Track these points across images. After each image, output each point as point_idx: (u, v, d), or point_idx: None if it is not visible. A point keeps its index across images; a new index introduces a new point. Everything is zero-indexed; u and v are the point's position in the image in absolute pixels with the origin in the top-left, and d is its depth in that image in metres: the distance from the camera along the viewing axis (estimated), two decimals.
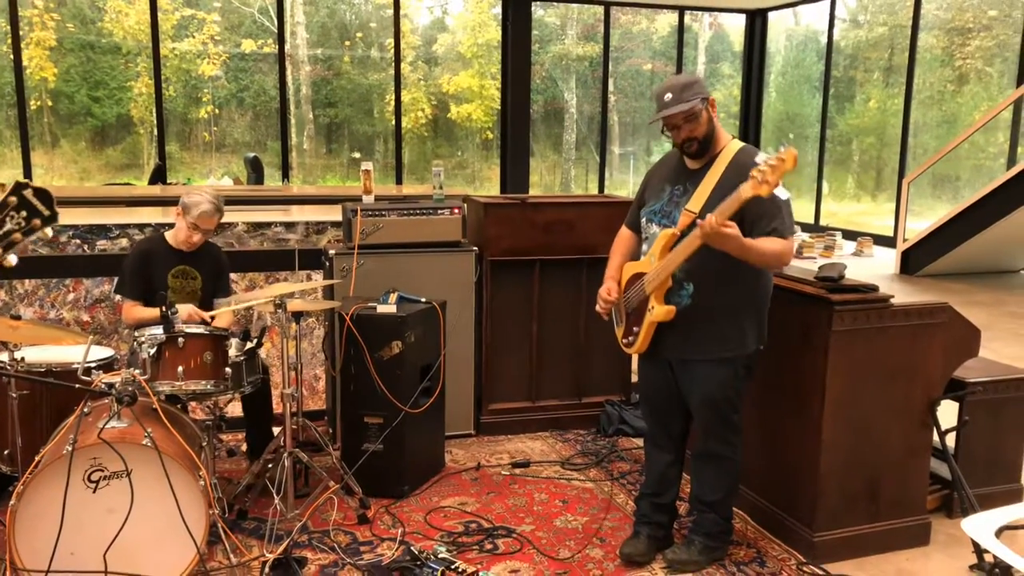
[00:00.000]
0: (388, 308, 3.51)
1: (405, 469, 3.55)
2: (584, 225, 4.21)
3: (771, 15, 13.77)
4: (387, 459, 3.50)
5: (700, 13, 16.33)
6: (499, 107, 15.16)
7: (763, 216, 2.66)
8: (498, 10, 15.41)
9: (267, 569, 2.86)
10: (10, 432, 3.03)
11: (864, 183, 15.16)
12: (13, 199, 1.44)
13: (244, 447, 3.98)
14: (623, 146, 16.90)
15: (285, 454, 3.16)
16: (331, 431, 3.99)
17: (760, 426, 3.28)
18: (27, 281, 5.07)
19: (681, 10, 13.34)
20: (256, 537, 3.17)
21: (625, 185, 15.82)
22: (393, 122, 15.25)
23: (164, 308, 2.94)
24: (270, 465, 3.34)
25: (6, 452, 3.10)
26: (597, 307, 3.01)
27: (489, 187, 15.87)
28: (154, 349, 2.91)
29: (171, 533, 2.71)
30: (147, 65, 15.74)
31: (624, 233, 3.09)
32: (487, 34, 15.58)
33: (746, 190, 2.48)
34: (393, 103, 15.38)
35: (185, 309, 3.33)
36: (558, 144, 16.55)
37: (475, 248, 4.10)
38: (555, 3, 14.75)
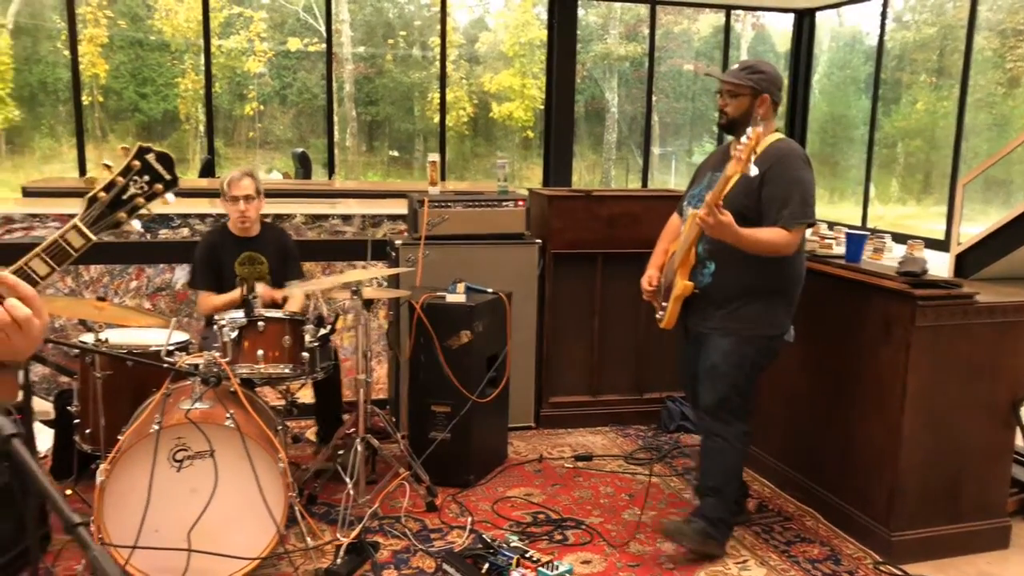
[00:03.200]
0: (457, 298, 3.52)
1: (471, 459, 3.56)
2: (648, 219, 4.17)
3: (818, 15, 13.61)
4: (453, 448, 3.52)
5: (742, 14, 16.18)
6: (541, 106, 15.16)
7: (775, 201, 2.72)
8: (540, 9, 15.42)
9: (341, 553, 2.89)
10: (92, 412, 3.09)
11: (909, 186, 14.93)
12: (137, 163, 1.39)
13: (307, 433, 4.02)
14: (663, 146, 16.80)
15: (358, 440, 3.18)
16: (394, 419, 4.01)
17: (831, 421, 3.24)
18: (92, 268, 5.17)
19: (728, 9, 13.24)
20: (326, 522, 3.20)
21: (666, 186, 15.72)
22: (434, 120, 15.33)
23: (245, 293, 2.98)
24: (340, 451, 3.36)
25: (87, 431, 3.15)
26: (644, 296, 3.08)
27: (528, 185, 15.86)
28: (235, 333, 2.94)
29: (250, 514, 2.74)
30: (194, 62, 15.98)
31: (673, 219, 3.19)
32: (530, 33, 15.58)
33: (728, 168, 2.59)
34: (433, 102, 15.45)
35: (258, 287, 3.40)
36: (598, 144, 16.50)
37: (538, 240, 4.10)
38: (599, 2, 14.71)
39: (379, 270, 3.95)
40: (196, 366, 2.73)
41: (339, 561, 2.85)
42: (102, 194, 1.38)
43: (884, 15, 12.72)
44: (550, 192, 4.28)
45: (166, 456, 2.67)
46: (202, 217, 5.39)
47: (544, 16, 15.55)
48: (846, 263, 3.21)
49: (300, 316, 3.10)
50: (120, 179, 1.39)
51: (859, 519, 3.11)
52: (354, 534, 2.97)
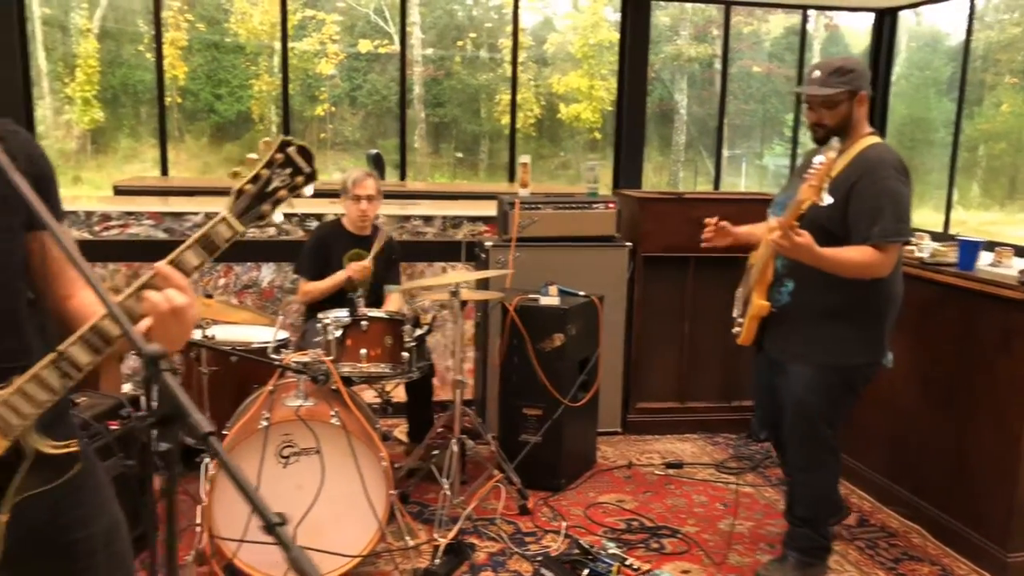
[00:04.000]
0: (551, 300, 3.50)
1: (561, 463, 3.54)
2: (742, 222, 4.08)
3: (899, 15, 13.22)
4: (544, 452, 3.50)
5: (816, 14, 15.81)
6: (610, 107, 15.07)
7: (864, 216, 2.46)
8: (609, 10, 15.34)
9: (440, 553, 2.89)
10: (195, 404, 3.16)
11: (992, 191, 14.42)
12: (279, 156, 1.40)
13: (395, 432, 4.05)
14: (732, 149, 16.55)
15: (453, 441, 3.18)
16: (481, 421, 4.00)
17: (940, 434, 3.13)
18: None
19: (804, 9, 12.92)
20: (420, 521, 3.21)
21: (736, 187, 15.47)
22: (501, 121, 15.36)
23: (349, 294, 3.02)
24: (435, 451, 3.37)
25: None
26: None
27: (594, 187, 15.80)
28: (339, 332, 2.97)
29: (353, 511, 2.76)
30: (267, 64, 16.31)
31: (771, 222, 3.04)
32: (599, 35, 15.51)
33: (801, 192, 2.35)
34: (501, 103, 15.49)
35: (352, 268, 3.46)
36: (665, 146, 16.35)
37: (628, 243, 4.05)
38: (671, 3, 14.55)
39: (471, 272, 3.95)
40: (305, 364, 2.76)
41: (437, 561, 2.86)
42: (248, 187, 1.40)
43: (972, 15, 12.29)
44: (641, 194, 4.23)
45: (274, 452, 2.71)
46: (288, 217, 5.49)
47: (613, 17, 15.49)
48: (959, 271, 3.09)
49: (401, 316, 3.12)
50: (264, 172, 1.40)
51: (972, 538, 2.99)
52: (451, 535, 2.97)
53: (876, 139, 2.61)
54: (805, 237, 2.38)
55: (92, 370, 1.32)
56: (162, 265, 1.30)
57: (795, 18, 15.90)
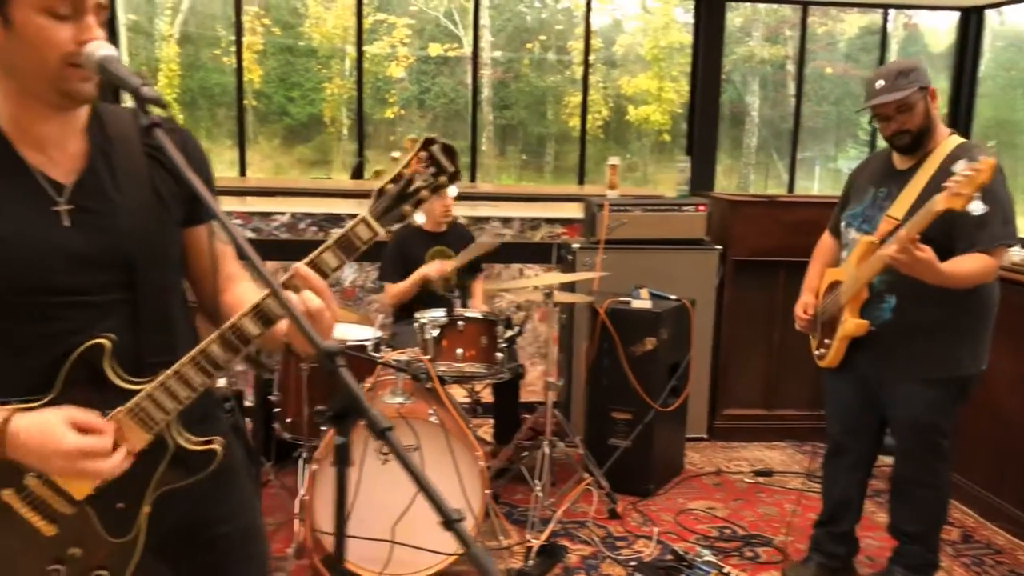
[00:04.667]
0: (643, 304, 3.48)
1: (651, 468, 3.51)
2: None
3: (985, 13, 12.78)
4: (633, 456, 3.47)
5: (894, 13, 15.38)
6: (679, 110, 14.90)
7: (971, 222, 2.34)
8: (680, 11, 15.18)
9: (532, 554, 2.89)
10: (293, 401, 3.22)
11: None
12: (423, 155, 1.37)
13: (479, 431, 4.07)
14: (804, 151, 16.20)
15: (545, 443, 3.18)
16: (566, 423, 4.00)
17: None
18: (268, 263, 5.44)
19: (885, 9, 12.59)
20: (510, 521, 3.21)
21: (808, 191, 15.15)
22: (569, 123, 15.33)
23: (448, 294, 3.05)
24: (525, 453, 3.38)
25: (288, 420, 3.29)
26: (796, 325, 2.81)
27: (662, 190, 15.68)
28: (436, 331, 3.00)
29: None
30: (339, 67, 16.60)
31: (826, 239, 2.88)
32: (669, 36, 15.35)
33: (939, 202, 2.21)
34: (569, 105, 15.47)
35: (432, 267, 3.48)
36: (736, 147, 16.09)
37: (718, 247, 4.00)
38: (744, 3, 14.31)
39: (560, 274, 3.95)
40: (407, 362, 2.79)
41: (531, 563, 2.86)
42: (390, 187, 1.37)
43: None
44: (732, 197, 4.17)
45: (373, 449, 2.75)
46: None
47: (684, 19, 15.32)
48: None
49: (495, 317, 3.14)
50: (407, 171, 1.37)
51: None
52: (544, 536, 2.97)
53: (959, 138, 2.52)
54: (927, 252, 2.25)
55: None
56: (300, 266, 1.30)
57: (870, 17, 15.52)
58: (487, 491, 2.79)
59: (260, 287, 1.41)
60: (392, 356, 2.91)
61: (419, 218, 1.42)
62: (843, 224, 2.69)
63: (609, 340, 3.45)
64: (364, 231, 1.35)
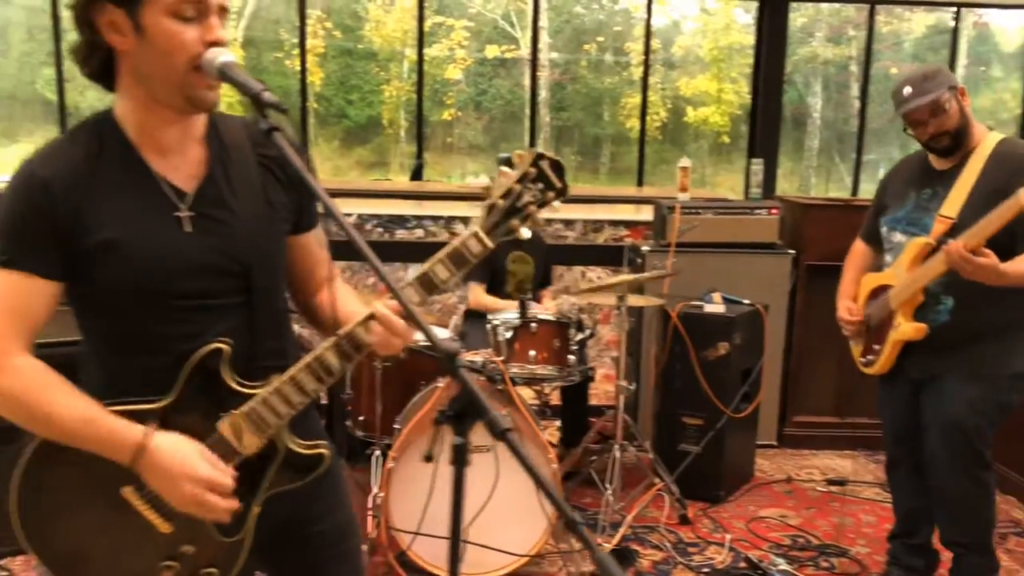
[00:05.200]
0: (716, 308, 3.44)
1: (721, 474, 3.47)
2: None
3: None
4: (703, 462, 3.43)
5: (964, 12, 14.95)
6: (738, 111, 14.72)
7: None
8: (740, 12, 14.98)
9: None
10: (365, 400, 3.26)
11: None
12: (532, 170, 1.37)
13: (544, 434, 4.07)
14: (867, 153, 15.85)
15: (616, 447, 3.17)
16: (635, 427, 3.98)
17: None
18: (334, 263, 5.52)
19: (958, 7, 12.26)
20: None
21: (871, 194, 14.82)
22: (626, 125, 15.25)
23: (521, 296, 3.06)
24: (594, 457, 3.37)
25: (360, 418, 3.33)
26: (843, 331, 2.74)
27: (721, 192, 15.52)
28: (509, 333, 3.01)
29: (521, 511, 2.79)
30: (398, 70, 16.78)
31: (859, 246, 2.81)
32: (729, 37, 15.17)
33: (1010, 207, 2.14)
34: (626, 107, 15.38)
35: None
36: (796, 150, 15.82)
37: (791, 251, 3.93)
38: (805, 3, 14.06)
39: (630, 277, 3.92)
40: (483, 364, 2.81)
41: None
42: (500, 201, 1.38)
43: None
44: (806, 200, 4.11)
45: (447, 449, 2.77)
46: (435, 219, 5.62)
47: (744, 19, 15.12)
48: None
49: (567, 319, 3.14)
50: (516, 186, 1.38)
51: None
52: (616, 540, 2.96)
53: (999, 135, 2.46)
54: (991, 257, 2.21)
55: None
56: (382, 311, 1.33)
57: (937, 16, 15.12)
58: (562, 492, 2.79)
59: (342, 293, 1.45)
60: (466, 356, 2.93)
61: (526, 232, 1.41)
62: (884, 229, 2.64)
63: (681, 344, 3.42)
64: (475, 245, 1.37)
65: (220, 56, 1.24)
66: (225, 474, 1.28)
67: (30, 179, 1.25)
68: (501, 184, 1.40)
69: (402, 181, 11.58)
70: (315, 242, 1.50)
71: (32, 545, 1.32)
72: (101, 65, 1.29)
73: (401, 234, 5.62)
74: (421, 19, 11.54)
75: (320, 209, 1.49)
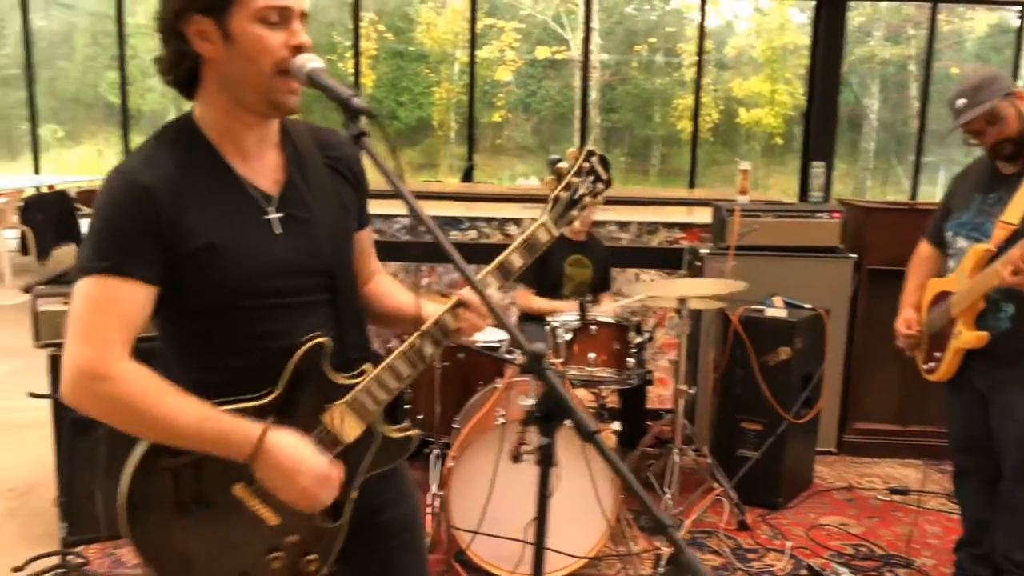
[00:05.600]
0: (777, 312, 3.40)
1: (780, 480, 3.43)
2: None
3: None
4: (762, 467, 3.40)
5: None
6: (791, 112, 14.50)
7: None
8: (796, 11, 14.76)
9: (663, 562, 2.87)
10: (424, 399, 3.30)
11: None
12: (586, 165, 1.50)
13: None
14: (927, 155, 15.48)
15: (675, 451, 3.15)
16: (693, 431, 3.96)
17: None
18: (390, 264, 5.58)
19: (1023, 6, 11.93)
20: (637, 528, 3.20)
21: (930, 197, 14.48)
22: (677, 126, 15.13)
23: (581, 298, 3.06)
24: (651, 461, 3.36)
25: (419, 417, 3.37)
26: (897, 342, 2.69)
27: (773, 195, 15.32)
28: (569, 335, 3.02)
29: (581, 513, 2.79)
30: (448, 72, 16.90)
31: (924, 249, 2.74)
32: (784, 37, 14.96)
33: None
34: (677, 108, 15.26)
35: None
36: (849, 152, 15.52)
37: (853, 255, 3.87)
38: (864, 2, 13.80)
39: (690, 281, 3.90)
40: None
41: (661, 570, 2.84)
42: (562, 194, 1.51)
43: None
44: (868, 203, 4.03)
45: (508, 449, 2.78)
46: (488, 220, 5.65)
47: (799, 19, 14.89)
48: None
49: (627, 322, 3.13)
50: (575, 179, 1.51)
51: None
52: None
53: None
54: None
55: None
56: (468, 297, 1.41)
57: (1000, 14, 14.72)
58: (621, 496, 2.79)
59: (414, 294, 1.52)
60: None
61: (578, 224, 1.57)
62: (949, 233, 2.59)
63: (741, 349, 3.39)
64: (543, 234, 1.49)
65: (309, 62, 1.28)
66: (335, 466, 1.33)
67: (131, 186, 1.27)
68: (560, 178, 1.54)
69: (452, 182, 11.68)
70: (367, 240, 1.58)
71: (141, 549, 1.33)
72: (187, 73, 1.33)
73: (455, 235, 5.65)
74: (473, 21, 11.64)
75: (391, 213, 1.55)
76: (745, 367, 3.38)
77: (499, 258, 1.45)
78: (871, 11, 14.64)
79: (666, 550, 2.90)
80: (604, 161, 1.55)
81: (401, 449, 1.45)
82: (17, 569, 2.81)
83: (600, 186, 1.55)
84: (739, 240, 3.78)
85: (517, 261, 1.47)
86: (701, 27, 11.42)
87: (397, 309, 1.55)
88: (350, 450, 1.38)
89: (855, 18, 14.81)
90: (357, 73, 10.88)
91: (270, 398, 1.33)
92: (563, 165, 1.55)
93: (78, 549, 2.91)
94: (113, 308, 1.25)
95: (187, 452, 1.29)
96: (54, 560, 2.84)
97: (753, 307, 3.46)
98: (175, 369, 1.35)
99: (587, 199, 1.53)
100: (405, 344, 1.38)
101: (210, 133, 1.34)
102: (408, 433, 1.45)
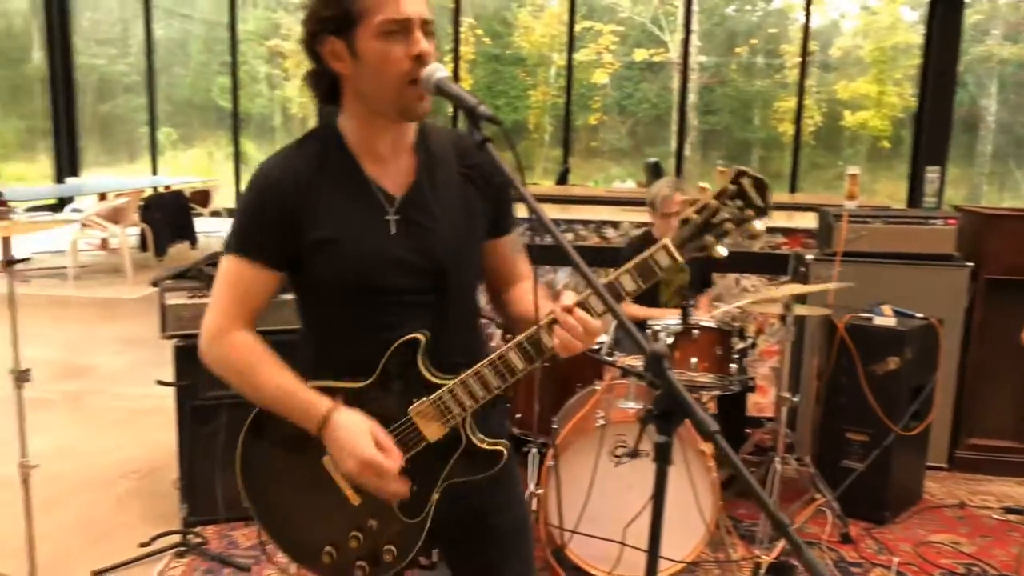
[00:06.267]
0: (886, 321, 3.31)
1: (886, 494, 3.33)
2: None
3: None
4: (867, 479, 3.30)
5: None
6: (900, 115, 13.93)
7: None
8: (907, 10, 14.18)
9: (761, 571, 2.83)
10: (523, 398, 3.35)
11: None
12: (732, 187, 1.34)
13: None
14: None
15: (777, 459, 3.10)
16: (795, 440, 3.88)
17: None
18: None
19: None
20: (736, 535, 3.16)
21: None
22: (778, 129, 14.75)
23: (684, 303, 3.05)
24: (751, 469, 3.31)
25: (518, 416, 3.42)
26: None
27: (879, 200, 14.76)
28: (670, 339, 3.02)
29: (678, 518, 2.79)
30: (545, 75, 16.98)
31: None
32: (894, 37, 14.39)
33: None
34: (778, 111, 14.89)
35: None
36: (966, 155, 14.80)
37: (969, 263, 3.71)
38: None
39: (798, 286, 3.83)
40: (646, 368, 2.82)
41: None
42: (695, 216, 1.35)
43: None
44: (987, 210, 3.87)
45: (607, 451, 2.81)
46: (585, 223, 5.67)
47: (910, 17, 14.30)
48: None
49: (730, 327, 3.10)
50: (714, 202, 1.34)
51: None
52: (774, 553, 2.90)
53: None
54: None
55: None
56: (573, 308, 1.34)
57: None
58: (721, 502, 2.77)
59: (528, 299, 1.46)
60: (627, 361, 2.96)
61: (722, 251, 1.36)
62: None
63: (847, 357, 3.31)
64: (664, 258, 1.36)
65: (437, 72, 1.33)
66: (391, 457, 1.37)
67: (264, 179, 1.41)
68: (699, 198, 1.39)
69: (547, 185, 11.73)
70: (510, 246, 1.57)
71: (250, 499, 1.50)
72: (330, 89, 1.42)
73: (550, 238, 5.70)
74: (571, 24, 11.67)
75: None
76: (851, 376, 3.29)
77: (609, 278, 1.36)
78: (989, 8, 13.95)
79: (765, 559, 2.86)
80: (760, 184, 1.34)
81: (488, 462, 1.44)
82: (143, 544, 3.01)
83: (750, 213, 1.34)
84: (847, 246, 3.68)
85: (629, 284, 1.36)
86: (805, 27, 11.14)
87: (520, 316, 1.52)
88: (433, 450, 1.42)
89: (971, 16, 14.13)
90: (456, 78, 11.06)
91: (364, 384, 1.41)
92: (705, 185, 1.41)
93: (197, 529, 3.09)
94: (237, 285, 1.43)
95: (288, 422, 1.41)
96: (176, 538, 3.03)
97: (860, 315, 3.37)
98: (304, 348, 1.49)
99: (730, 225, 1.34)
100: (495, 353, 1.39)
101: (348, 137, 1.43)
102: (497, 447, 1.44)
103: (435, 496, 1.44)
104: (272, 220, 1.39)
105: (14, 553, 2.68)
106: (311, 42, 1.38)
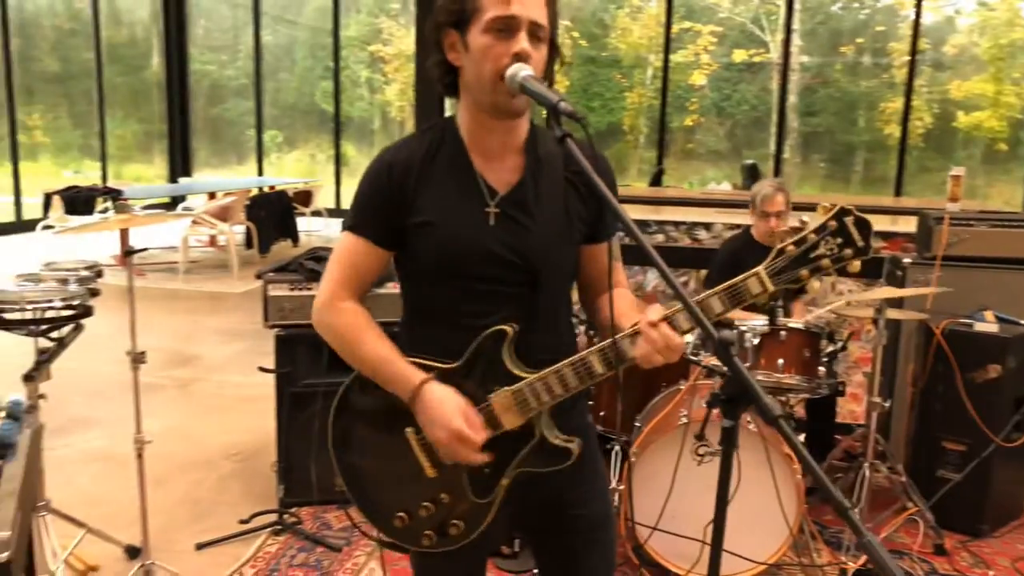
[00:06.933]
0: (988, 327, 3.18)
1: (985, 506, 3.20)
2: None
3: None
4: (965, 491, 3.18)
5: None
6: (1020, 116, 13.21)
7: None
8: None
9: None
10: (606, 396, 3.37)
11: None
12: (833, 223, 1.35)
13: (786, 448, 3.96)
14: None
15: (866, 465, 3.03)
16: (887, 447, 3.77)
17: None
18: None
19: None
20: (821, 541, 3.10)
21: None
22: (884, 131, 14.21)
23: (770, 303, 3.02)
24: (839, 474, 3.25)
25: (601, 413, 3.46)
26: None
27: (994, 204, 14.04)
28: (756, 340, 2.99)
29: (762, 518, 2.76)
30: (641, 76, 16.88)
31: None
32: (1012, 34, 13.66)
33: None
34: (885, 112, 14.35)
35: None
36: None
37: None
38: None
39: (894, 290, 3.72)
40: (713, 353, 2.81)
41: None
42: (791, 248, 1.37)
43: None
44: None
45: (690, 450, 2.81)
46: (677, 224, 5.63)
47: None
48: None
49: (819, 329, 3.05)
50: (812, 236, 1.36)
51: None
52: (861, 562, 2.84)
53: None
54: None
55: None
56: (658, 323, 1.36)
57: None
58: (805, 505, 2.73)
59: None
60: (712, 361, 2.95)
61: (816, 284, 1.39)
62: None
63: (945, 364, 3.20)
64: (755, 285, 1.40)
65: (521, 71, 1.39)
66: (476, 430, 1.44)
67: (380, 163, 1.52)
68: (798, 230, 1.40)
69: (641, 186, 11.66)
70: (606, 252, 1.59)
71: (335, 455, 1.61)
72: (452, 81, 1.51)
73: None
74: (668, 25, 11.57)
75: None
76: (948, 383, 3.19)
77: (700, 296, 1.40)
78: None
79: (851, 565, 2.81)
80: (863, 224, 1.34)
81: (558, 457, 1.48)
82: (243, 521, 3.19)
83: (848, 252, 1.35)
84: (947, 250, 3.55)
85: (716, 307, 1.40)
86: (916, 25, 10.71)
87: (608, 322, 1.51)
88: (507, 438, 1.47)
89: None
90: (551, 82, 11.15)
91: (452, 366, 1.49)
92: (805, 218, 1.41)
93: (292, 509, 3.25)
94: (348, 259, 1.54)
95: (378, 390, 1.51)
96: (272, 517, 3.20)
97: (960, 320, 3.26)
98: (404, 328, 1.60)
99: (826, 263, 1.36)
100: (576, 356, 1.43)
101: (462, 130, 1.52)
102: (568, 445, 1.48)
103: (504, 481, 1.50)
104: (382, 202, 1.49)
105: (130, 523, 2.89)
106: (436, 33, 1.48)
